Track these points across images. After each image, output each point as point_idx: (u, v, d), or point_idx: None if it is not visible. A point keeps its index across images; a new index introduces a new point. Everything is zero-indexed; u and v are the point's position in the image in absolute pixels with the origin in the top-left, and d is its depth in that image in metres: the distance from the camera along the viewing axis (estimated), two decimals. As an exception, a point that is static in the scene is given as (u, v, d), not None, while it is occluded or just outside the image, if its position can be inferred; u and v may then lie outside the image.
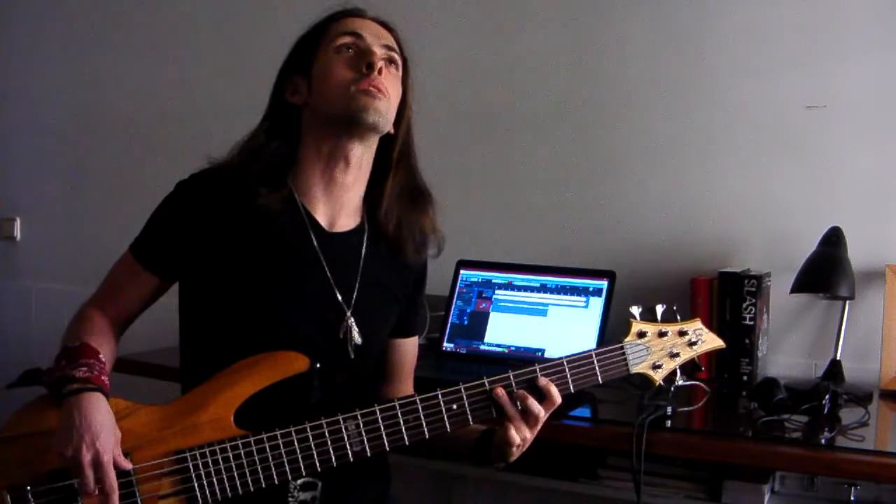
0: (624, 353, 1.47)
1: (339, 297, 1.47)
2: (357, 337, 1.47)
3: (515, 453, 1.42)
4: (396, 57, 1.48)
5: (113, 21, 3.18)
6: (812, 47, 2.23)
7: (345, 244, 1.49)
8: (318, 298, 1.46)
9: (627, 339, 1.48)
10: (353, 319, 1.47)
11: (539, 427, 1.41)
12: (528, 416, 1.39)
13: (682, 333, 1.51)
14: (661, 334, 1.49)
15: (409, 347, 1.64)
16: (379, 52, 1.44)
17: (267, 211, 1.43)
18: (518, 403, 1.39)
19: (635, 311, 1.51)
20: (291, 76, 1.49)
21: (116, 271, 1.52)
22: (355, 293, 1.48)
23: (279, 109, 1.49)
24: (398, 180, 1.52)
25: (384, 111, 1.42)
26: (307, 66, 1.46)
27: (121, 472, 1.30)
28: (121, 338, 1.52)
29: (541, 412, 1.39)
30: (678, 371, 1.51)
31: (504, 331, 2.21)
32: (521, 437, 1.39)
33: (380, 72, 1.42)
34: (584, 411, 1.86)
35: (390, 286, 1.55)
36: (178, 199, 1.47)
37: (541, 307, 2.19)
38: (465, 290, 2.29)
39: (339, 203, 1.49)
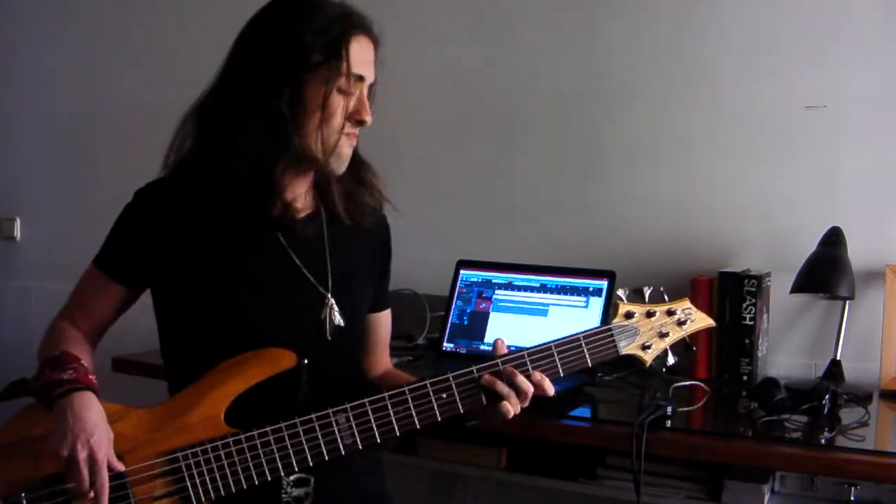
0: (612, 335, 1.46)
1: (315, 282, 1.47)
2: (338, 318, 1.46)
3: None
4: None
5: (114, 21, 3.18)
6: (812, 47, 2.23)
7: (306, 229, 1.48)
8: (293, 287, 1.46)
9: (615, 320, 1.47)
10: (333, 301, 1.47)
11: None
12: (519, 393, 1.39)
13: (670, 313, 1.49)
14: (650, 314, 1.48)
15: (382, 321, 1.64)
16: (370, 102, 1.43)
17: (228, 209, 1.42)
18: (507, 381, 1.39)
19: (622, 293, 1.50)
20: (284, 85, 1.38)
21: (83, 284, 1.52)
22: (329, 275, 1.48)
23: (272, 121, 1.38)
24: None
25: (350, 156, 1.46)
26: (300, 76, 1.38)
27: (115, 475, 1.30)
28: (99, 344, 1.53)
29: (530, 388, 1.40)
30: (669, 351, 1.50)
31: (504, 331, 2.21)
32: (514, 410, 1.40)
33: None
34: (584, 411, 1.86)
35: (360, 263, 1.55)
36: (137, 207, 1.47)
37: (541, 307, 2.19)
38: (465, 290, 2.29)
39: (294, 192, 1.48)
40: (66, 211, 3.28)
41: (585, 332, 1.46)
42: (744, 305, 2.12)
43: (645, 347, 1.47)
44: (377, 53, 1.46)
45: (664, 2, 2.39)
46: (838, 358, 2.11)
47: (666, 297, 1.52)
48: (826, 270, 2.06)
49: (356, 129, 1.44)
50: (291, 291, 1.46)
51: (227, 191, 1.41)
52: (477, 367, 1.41)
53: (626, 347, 1.47)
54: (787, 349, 2.26)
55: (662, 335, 1.49)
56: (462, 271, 2.31)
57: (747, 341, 2.12)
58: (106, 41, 3.19)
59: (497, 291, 2.25)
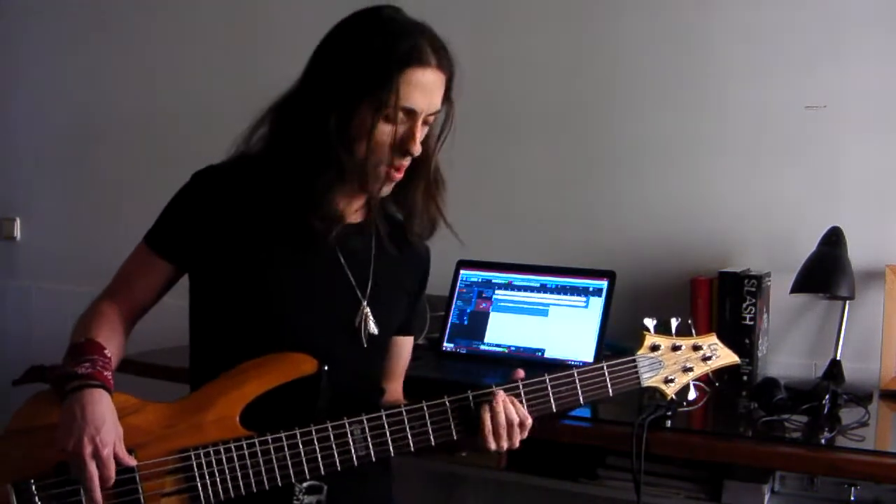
0: (636, 367, 1.45)
1: (356, 288, 1.47)
2: (373, 326, 1.47)
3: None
4: (434, 116, 1.45)
5: (114, 21, 3.18)
6: (812, 47, 2.23)
7: (357, 236, 1.49)
8: (334, 289, 1.46)
9: (640, 351, 1.46)
10: (368, 310, 1.47)
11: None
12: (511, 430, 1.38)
13: (696, 348, 1.49)
14: (675, 348, 1.48)
15: (405, 346, 1.63)
16: (421, 135, 1.41)
17: (277, 212, 1.42)
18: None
19: (649, 323, 1.49)
20: (336, 105, 1.37)
21: (130, 263, 1.52)
22: (370, 284, 1.48)
23: (325, 135, 1.37)
24: (418, 177, 1.49)
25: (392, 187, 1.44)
26: (353, 101, 1.37)
27: (125, 469, 1.30)
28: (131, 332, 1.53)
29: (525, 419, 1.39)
30: (691, 386, 1.49)
31: (504, 331, 2.21)
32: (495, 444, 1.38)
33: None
34: (584, 411, 1.86)
35: (400, 280, 1.55)
36: (193, 189, 1.47)
37: (541, 307, 2.19)
38: (465, 290, 2.29)
39: (351, 199, 1.48)
40: (66, 211, 3.28)
41: (609, 361, 1.45)
42: (744, 305, 2.12)
43: (668, 381, 1.47)
44: (450, 81, 1.45)
45: (665, 3, 2.39)
46: (838, 358, 2.11)
47: (694, 331, 1.52)
48: (826, 270, 2.06)
49: (405, 159, 1.41)
50: (330, 292, 1.46)
51: (277, 196, 1.42)
52: (497, 385, 1.39)
53: (649, 380, 1.46)
54: (787, 349, 2.26)
55: (686, 370, 1.48)
56: (462, 271, 2.31)
57: (747, 341, 2.12)
58: (106, 43, 3.19)
59: (497, 291, 2.25)
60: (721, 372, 2.10)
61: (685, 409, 1.90)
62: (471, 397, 1.39)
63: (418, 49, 1.39)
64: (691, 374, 1.48)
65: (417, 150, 1.40)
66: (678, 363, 1.48)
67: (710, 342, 1.50)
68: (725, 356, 1.51)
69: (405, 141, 1.39)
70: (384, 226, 1.51)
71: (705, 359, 1.49)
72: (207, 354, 1.48)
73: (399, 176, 1.43)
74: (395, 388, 1.62)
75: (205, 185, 1.47)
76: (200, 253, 1.46)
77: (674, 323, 1.50)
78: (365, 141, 1.37)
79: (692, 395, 1.50)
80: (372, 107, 1.36)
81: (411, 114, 1.39)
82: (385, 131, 1.37)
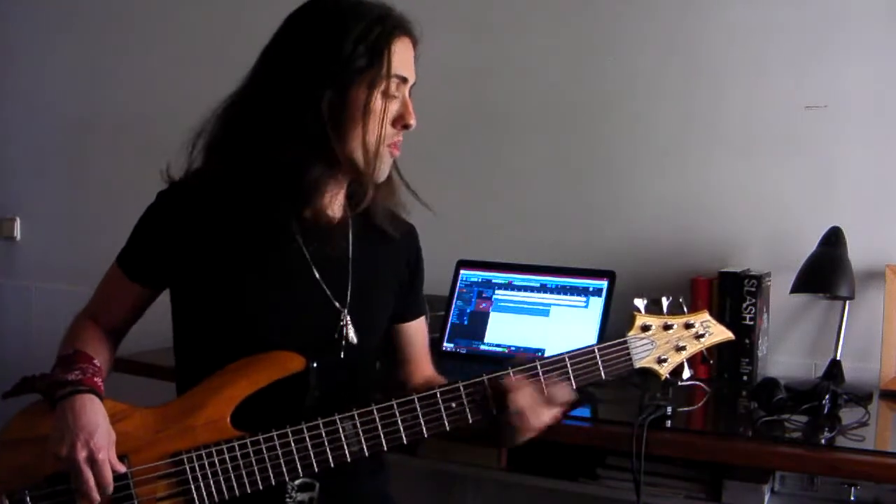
0: (627, 348, 1.43)
1: (331, 296, 1.45)
2: (353, 336, 1.44)
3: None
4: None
5: (114, 21, 3.18)
6: (812, 47, 2.23)
7: (331, 240, 1.46)
8: (308, 299, 1.44)
9: (631, 332, 1.44)
10: (349, 318, 1.45)
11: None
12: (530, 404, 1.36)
13: (688, 326, 1.46)
14: (667, 327, 1.44)
15: (416, 329, 1.61)
16: (412, 103, 1.41)
17: (254, 217, 1.40)
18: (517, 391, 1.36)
19: (640, 303, 1.46)
20: (326, 90, 1.35)
21: (105, 283, 1.51)
22: (349, 290, 1.46)
23: (312, 127, 1.35)
24: None
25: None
26: (343, 82, 1.35)
27: (118, 476, 1.30)
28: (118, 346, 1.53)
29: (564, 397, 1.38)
30: (685, 365, 1.47)
31: (504, 331, 2.21)
32: (530, 423, 1.36)
33: None
34: (584, 411, 1.86)
35: (383, 275, 1.53)
36: (159, 208, 1.46)
37: (542, 307, 2.19)
38: (465, 290, 2.29)
39: (326, 200, 1.46)
40: (66, 211, 3.28)
41: (600, 344, 1.43)
42: (744, 305, 2.12)
43: (661, 361, 1.44)
44: (417, 52, 1.43)
45: (666, 2, 2.39)
46: (838, 358, 2.11)
47: (685, 309, 1.49)
48: (826, 270, 2.06)
49: (400, 134, 1.41)
50: (307, 305, 1.44)
51: (257, 199, 1.38)
52: (488, 376, 1.39)
53: (642, 361, 1.43)
54: (787, 349, 2.26)
55: (679, 349, 1.45)
56: (462, 271, 2.31)
57: (747, 341, 2.12)
58: (106, 42, 3.19)
59: (497, 291, 2.26)
60: (721, 369, 2.13)
61: (685, 409, 1.91)
62: (462, 388, 1.38)
63: (398, 20, 1.40)
64: (684, 353, 1.45)
65: (414, 121, 1.40)
66: (670, 342, 1.45)
67: (703, 319, 1.47)
68: (719, 333, 1.48)
69: (403, 114, 1.40)
70: (361, 221, 1.49)
71: (698, 336, 1.46)
72: (192, 364, 1.47)
73: (397, 153, 1.42)
74: (421, 369, 1.60)
75: (171, 204, 1.45)
76: (172, 272, 1.45)
77: (664, 302, 1.47)
78: (360, 122, 1.36)
79: (686, 373, 1.47)
80: (365, 82, 1.35)
81: (403, 84, 1.39)
82: (380, 107, 1.37)
